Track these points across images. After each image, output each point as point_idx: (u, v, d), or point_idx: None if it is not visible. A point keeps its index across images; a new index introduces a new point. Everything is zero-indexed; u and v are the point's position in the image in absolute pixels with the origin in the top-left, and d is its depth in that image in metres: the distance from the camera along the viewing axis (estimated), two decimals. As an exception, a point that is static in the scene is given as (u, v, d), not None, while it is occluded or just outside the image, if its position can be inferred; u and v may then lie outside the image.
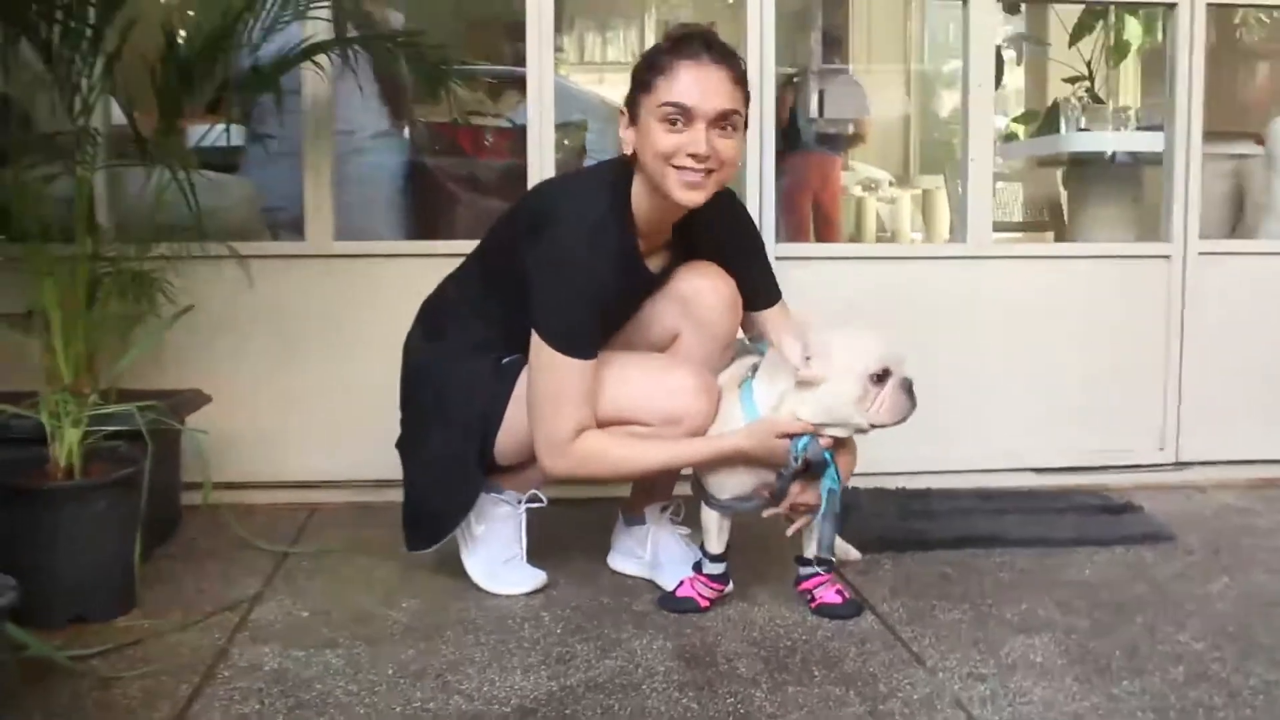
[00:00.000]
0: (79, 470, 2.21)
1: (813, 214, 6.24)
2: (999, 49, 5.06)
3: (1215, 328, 3.38)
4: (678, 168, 2.09)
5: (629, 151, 2.18)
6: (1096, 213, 4.57)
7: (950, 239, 5.47)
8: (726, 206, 2.31)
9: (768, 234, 3.10)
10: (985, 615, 2.22)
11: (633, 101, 2.16)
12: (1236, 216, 4.47)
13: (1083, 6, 5.62)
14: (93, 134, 2.46)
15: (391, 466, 3.00)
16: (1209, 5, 3.39)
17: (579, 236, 2.15)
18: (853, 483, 3.05)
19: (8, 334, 2.54)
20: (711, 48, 2.12)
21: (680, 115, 2.08)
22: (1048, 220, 5.67)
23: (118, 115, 2.88)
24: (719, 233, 2.32)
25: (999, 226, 4.58)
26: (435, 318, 2.42)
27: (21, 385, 2.45)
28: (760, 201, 3.15)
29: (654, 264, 2.32)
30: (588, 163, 3.90)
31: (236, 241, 2.93)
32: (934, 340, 3.24)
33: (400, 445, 2.44)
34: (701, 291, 2.31)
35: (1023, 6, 6.26)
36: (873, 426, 2.13)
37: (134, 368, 2.49)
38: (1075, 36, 5.60)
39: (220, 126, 2.69)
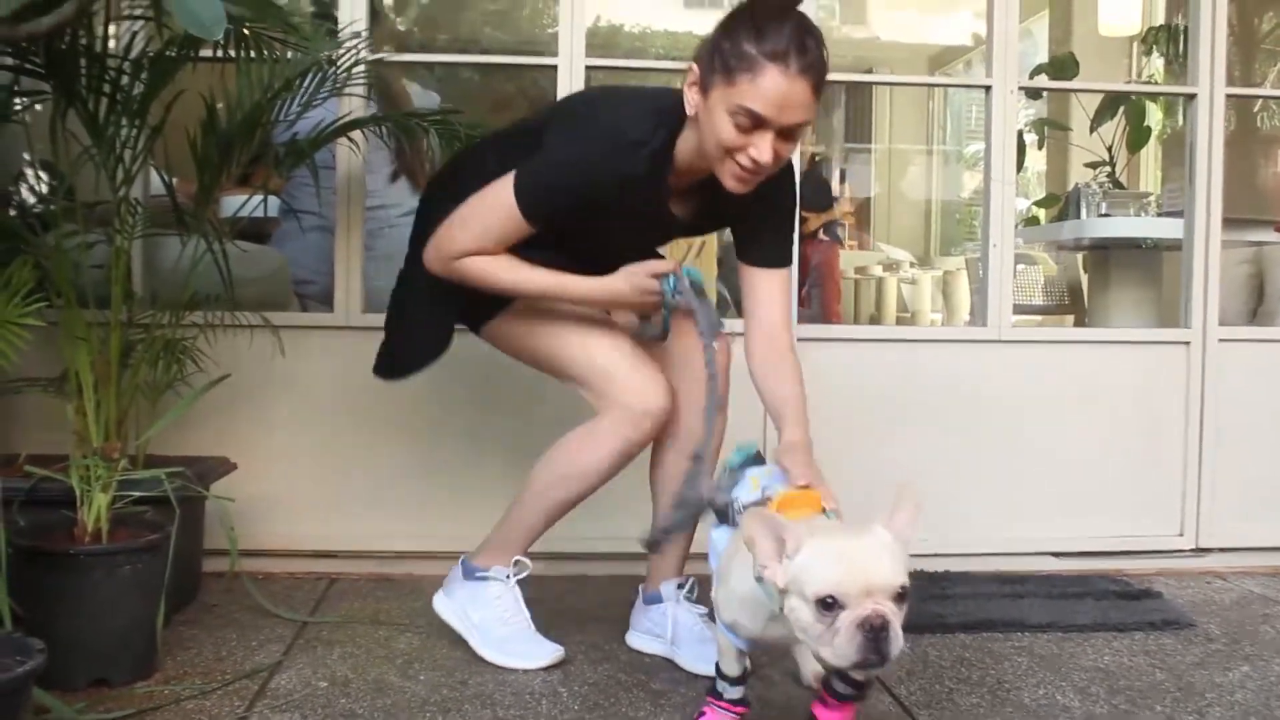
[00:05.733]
0: (106, 535, 2.23)
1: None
2: (1021, 133, 5.12)
3: (1235, 414, 3.38)
4: (736, 162, 2.06)
5: (690, 112, 2.10)
6: (1118, 297, 4.60)
7: (970, 321, 5.50)
8: (779, 180, 2.24)
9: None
10: (1003, 700, 2.21)
11: (708, 72, 2.04)
12: (1256, 302, 4.49)
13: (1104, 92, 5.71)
14: (133, 204, 2.52)
15: (412, 538, 3.03)
16: (1229, 96, 3.45)
17: (605, 148, 2.14)
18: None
19: (41, 397, 2.60)
20: (804, 51, 1.99)
21: (752, 122, 2.01)
22: (1068, 303, 5.70)
23: (155, 184, 2.95)
24: (758, 199, 2.20)
25: (1019, 309, 4.61)
26: (453, 173, 2.46)
27: (52, 448, 2.50)
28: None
29: (682, 207, 2.30)
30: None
31: (266, 311, 2.97)
32: (953, 422, 3.27)
33: (399, 278, 2.51)
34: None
35: (1044, 91, 6.35)
36: None
37: (161, 432, 2.52)
38: (1096, 122, 5.68)
39: (257, 198, 2.75)
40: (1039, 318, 5.77)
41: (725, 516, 1.95)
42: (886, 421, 3.21)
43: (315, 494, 3.08)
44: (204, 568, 2.82)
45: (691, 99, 2.10)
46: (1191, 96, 3.44)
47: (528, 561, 2.41)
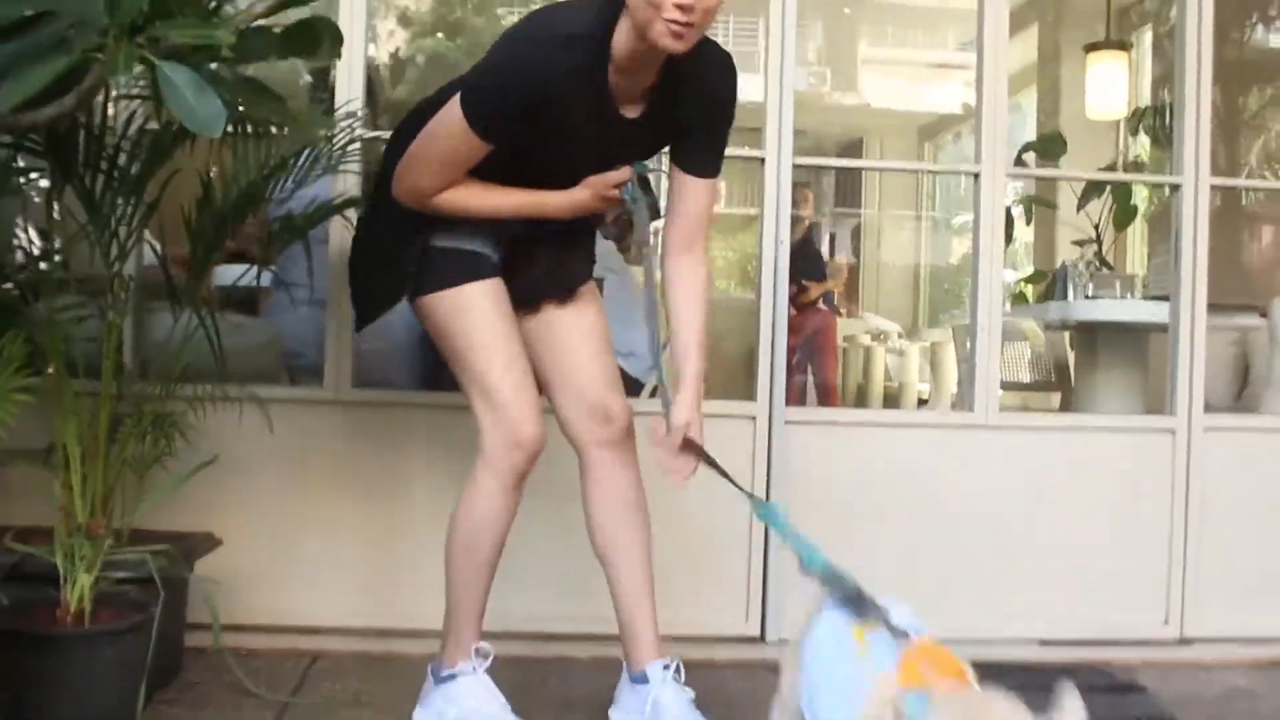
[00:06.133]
0: (89, 615, 2.22)
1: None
2: (1008, 209, 5.18)
3: (1220, 503, 3.38)
4: (665, 20, 2.09)
5: None
6: (1105, 377, 4.62)
7: (956, 397, 5.51)
8: (722, 78, 2.37)
9: (778, 395, 3.14)
10: (986, 799, 2.19)
11: None
12: (1241, 384, 4.52)
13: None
14: (126, 281, 2.53)
15: (397, 616, 3.00)
16: (1214, 187, 3.49)
17: (539, 44, 2.20)
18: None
19: (28, 469, 2.58)
20: None
21: None
22: (1055, 381, 5.72)
23: (149, 254, 2.96)
24: (704, 98, 2.35)
25: (1005, 385, 4.63)
26: (418, 111, 2.49)
27: (37, 519, 2.48)
28: (772, 360, 3.19)
29: (632, 109, 2.33)
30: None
31: (255, 384, 2.96)
32: (937, 508, 3.26)
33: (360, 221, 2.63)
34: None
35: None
36: None
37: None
38: (1083, 202, 5.74)
39: (252, 271, 2.76)
40: (1026, 393, 5.79)
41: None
42: (873, 505, 3.20)
43: (300, 569, 3.05)
44: (186, 642, 2.79)
45: None
46: (1176, 187, 3.48)
47: (488, 647, 2.40)
